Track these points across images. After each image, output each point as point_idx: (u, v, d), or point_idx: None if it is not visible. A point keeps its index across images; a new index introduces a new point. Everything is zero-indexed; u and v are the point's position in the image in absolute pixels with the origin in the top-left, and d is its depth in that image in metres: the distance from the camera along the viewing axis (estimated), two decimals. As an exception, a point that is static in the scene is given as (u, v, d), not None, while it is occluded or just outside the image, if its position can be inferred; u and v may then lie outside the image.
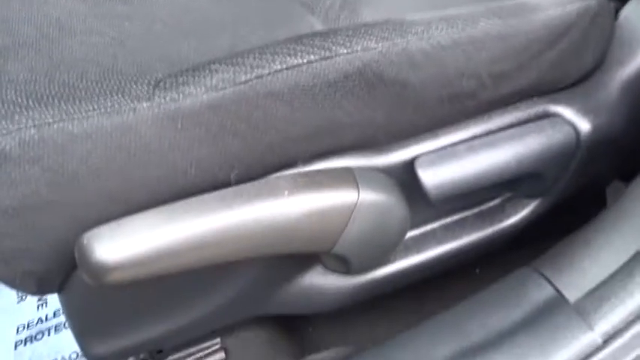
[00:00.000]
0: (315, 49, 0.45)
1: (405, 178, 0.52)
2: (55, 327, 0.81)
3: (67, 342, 0.79)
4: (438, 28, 0.48)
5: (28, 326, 0.82)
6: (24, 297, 0.86)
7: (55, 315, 0.83)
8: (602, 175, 0.65)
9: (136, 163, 0.42)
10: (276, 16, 0.56)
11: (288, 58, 0.43)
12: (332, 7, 0.57)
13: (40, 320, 0.82)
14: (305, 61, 0.43)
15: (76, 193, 0.41)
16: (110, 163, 0.41)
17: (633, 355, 0.41)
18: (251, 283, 0.53)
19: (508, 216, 0.61)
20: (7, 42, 0.49)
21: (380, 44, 0.46)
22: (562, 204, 0.62)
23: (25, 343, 0.79)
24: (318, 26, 0.54)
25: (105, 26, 0.52)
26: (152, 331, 0.53)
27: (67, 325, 0.82)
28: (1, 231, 0.41)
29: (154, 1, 0.55)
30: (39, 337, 0.80)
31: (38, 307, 0.84)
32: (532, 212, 0.61)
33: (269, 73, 0.43)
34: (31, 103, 0.42)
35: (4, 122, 0.40)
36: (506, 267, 0.52)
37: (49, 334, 0.80)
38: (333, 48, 0.45)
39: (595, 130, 0.55)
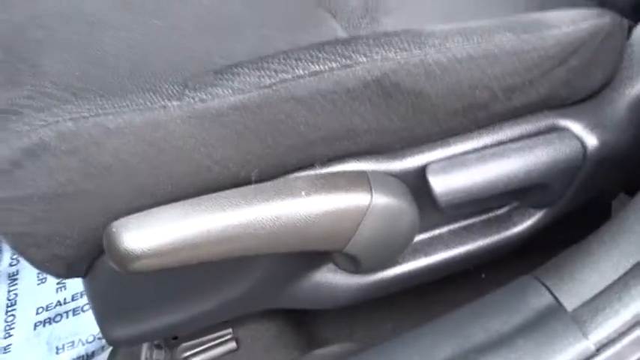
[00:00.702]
0: (337, 56, 0.47)
1: (417, 183, 0.54)
2: (73, 310, 0.84)
3: (83, 325, 0.82)
4: (454, 42, 0.49)
5: (47, 308, 0.85)
6: (44, 280, 0.89)
7: (73, 298, 0.86)
8: (608, 189, 0.67)
9: (164, 158, 0.45)
10: (299, 19, 0.58)
11: (311, 65, 0.46)
12: (354, 13, 0.59)
13: (58, 303, 0.85)
14: (327, 68, 0.46)
15: (107, 184, 0.44)
16: (140, 157, 0.44)
17: (625, 363, 0.43)
18: (265, 278, 0.55)
19: (515, 224, 0.63)
20: (41, 36, 0.52)
21: (398, 55, 0.48)
22: (568, 215, 0.64)
23: (44, 325, 0.82)
24: (340, 31, 0.56)
25: (134, 22, 0.54)
26: (170, 318, 0.55)
27: (84, 308, 0.85)
28: (37, 216, 0.44)
29: (180, 3, 0.58)
30: (57, 319, 0.83)
31: (57, 290, 0.87)
32: (538, 222, 0.62)
33: (292, 79, 0.45)
34: (68, 96, 0.44)
35: (42, 114, 0.43)
36: (510, 273, 0.54)
37: (67, 317, 0.83)
38: (354, 57, 0.47)
39: (602, 145, 0.57)
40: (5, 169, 0.42)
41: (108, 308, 0.53)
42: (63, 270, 0.49)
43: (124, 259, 0.43)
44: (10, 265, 0.92)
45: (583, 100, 0.59)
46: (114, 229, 0.44)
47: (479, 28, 0.51)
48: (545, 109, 0.57)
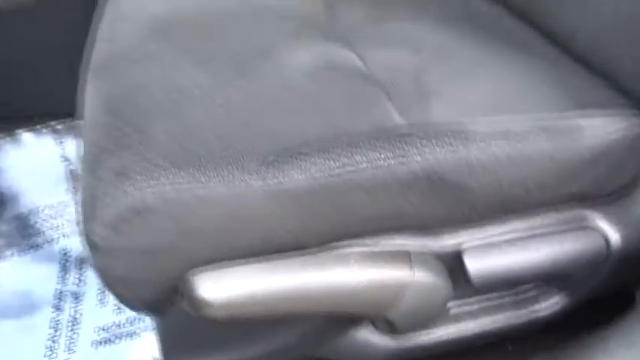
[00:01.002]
0: (396, 149, 0.54)
1: (452, 261, 0.60)
2: (129, 333, 0.93)
3: (138, 348, 0.90)
4: (495, 142, 0.56)
5: (105, 329, 0.94)
6: (104, 301, 0.98)
7: (130, 322, 0.94)
8: (632, 280, 0.71)
9: (241, 225, 0.52)
10: (359, 98, 0.63)
11: (373, 158, 0.53)
12: (407, 95, 0.63)
13: (116, 325, 0.94)
14: (386, 164, 0.53)
15: (194, 242, 0.52)
16: (226, 223, 0.52)
17: None
18: (310, 331, 0.63)
19: (540, 304, 0.68)
20: (146, 103, 0.59)
21: (447, 153, 0.55)
22: (592, 300, 0.69)
23: (102, 344, 0.91)
24: (397, 116, 0.60)
25: (221, 97, 0.60)
26: (223, 357, 0.63)
27: (138, 332, 0.93)
28: (133, 265, 0.52)
29: (259, 77, 0.64)
30: (114, 340, 0.92)
31: (116, 313, 0.96)
32: (563, 304, 0.68)
33: (355, 171, 0.53)
34: (167, 165, 0.52)
35: (146, 178, 0.51)
36: (535, 346, 0.59)
37: (123, 340, 0.92)
38: (409, 151, 0.54)
39: (625, 242, 0.62)
40: (114, 223, 0.51)
41: (174, 342, 0.61)
42: (144, 307, 0.57)
43: (200, 306, 0.51)
44: (75, 284, 1.02)
45: (610, 198, 0.64)
46: (194, 279, 0.52)
47: (518, 129, 0.57)
48: (574, 203, 0.63)
